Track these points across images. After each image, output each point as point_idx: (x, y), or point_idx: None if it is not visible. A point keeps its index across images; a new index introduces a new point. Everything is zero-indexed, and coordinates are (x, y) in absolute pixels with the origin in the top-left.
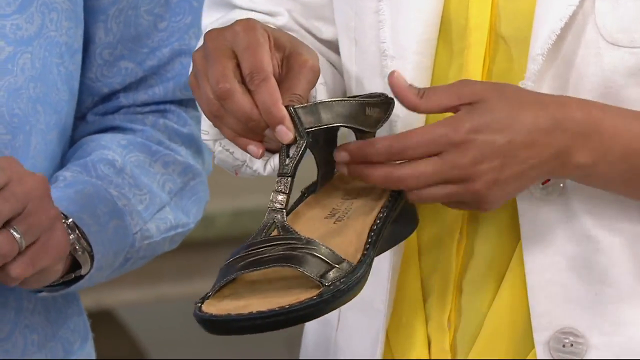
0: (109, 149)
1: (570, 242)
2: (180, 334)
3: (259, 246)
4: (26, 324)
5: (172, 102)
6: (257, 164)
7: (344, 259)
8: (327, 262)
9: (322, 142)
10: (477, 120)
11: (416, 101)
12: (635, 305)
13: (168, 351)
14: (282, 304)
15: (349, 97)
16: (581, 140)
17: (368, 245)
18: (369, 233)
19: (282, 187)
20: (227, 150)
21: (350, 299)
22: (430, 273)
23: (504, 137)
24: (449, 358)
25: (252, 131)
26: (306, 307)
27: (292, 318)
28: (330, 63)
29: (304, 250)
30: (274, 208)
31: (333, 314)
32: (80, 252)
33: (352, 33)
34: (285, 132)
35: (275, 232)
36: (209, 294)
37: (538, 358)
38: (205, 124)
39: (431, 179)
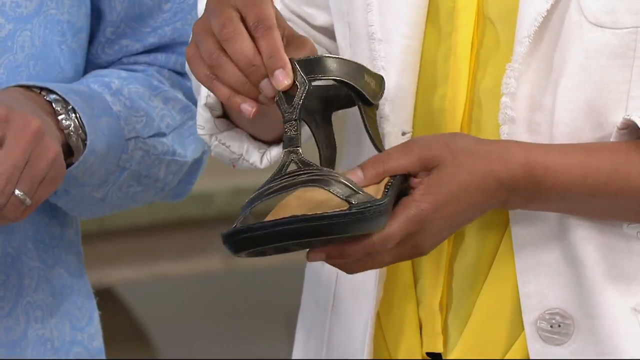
0: (107, 76)
1: (557, 225)
2: (179, 312)
3: (283, 177)
4: (28, 300)
5: (173, 71)
6: (254, 157)
7: (363, 192)
8: (351, 187)
9: (320, 120)
10: (435, 202)
11: (379, 170)
12: (615, 287)
13: (167, 328)
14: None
15: (348, 59)
16: (520, 193)
17: (387, 189)
18: (385, 184)
19: (291, 131)
20: (224, 144)
21: (373, 229)
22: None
23: (454, 208)
24: (441, 341)
25: (249, 81)
26: (331, 217)
27: (313, 227)
28: (325, 50)
29: (329, 176)
30: (289, 149)
31: (327, 298)
32: (74, 139)
33: (345, 17)
34: (284, 76)
35: (294, 168)
36: (234, 224)
37: (527, 339)
38: (202, 118)
39: (389, 263)
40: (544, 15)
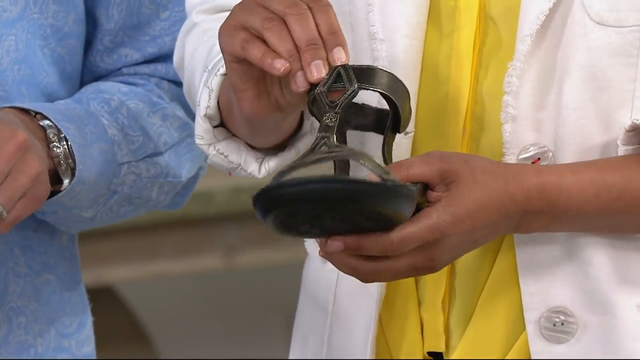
0: (107, 92)
1: None
2: (179, 310)
3: (317, 154)
4: (12, 306)
5: (173, 82)
6: (252, 167)
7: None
8: (382, 168)
9: (338, 134)
10: (455, 215)
11: (402, 175)
12: (621, 286)
13: (166, 327)
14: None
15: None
16: (535, 214)
17: None
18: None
19: (330, 120)
20: (222, 154)
21: (402, 209)
22: None
23: (471, 224)
24: (443, 340)
25: (303, 58)
26: (367, 184)
27: (347, 189)
28: None
29: (362, 154)
30: (322, 134)
31: (328, 298)
32: (63, 167)
33: (347, 18)
34: (342, 53)
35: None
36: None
37: (529, 338)
38: (200, 129)
39: (403, 273)
40: (546, 14)
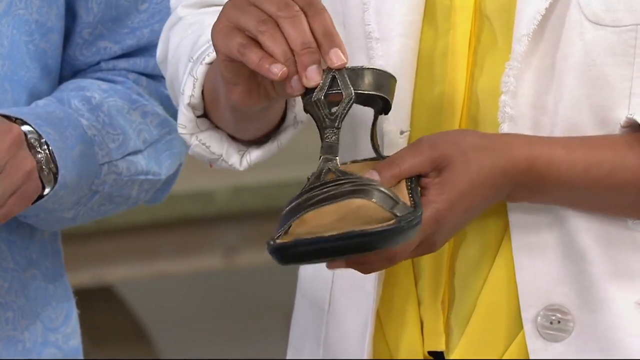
0: (87, 89)
1: (554, 223)
2: (179, 310)
3: (324, 187)
4: (0, 302)
5: (151, 76)
6: (234, 158)
7: (401, 200)
8: (392, 198)
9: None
10: (449, 201)
11: (395, 172)
12: (617, 282)
13: (166, 327)
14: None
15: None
16: (524, 186)
17: (411, 194)
18: (407, 189)
19: (332, 137)
20: (204, 144)
21: (411, 239)
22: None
23: (467, 204)
24: (443, 339)
25: (298, 62)
26: (379, 234)
27: (363, 242)
28: None
29: (370, 186)
30: (326, 157)
31: (324, 297)
32: (45, 172)
33: (340, 17)
34: (339, 56)
35: (331, 176)
36: (279, 234)
37: (526, 336)
38: (184, 117)
39: (404, 259)
40: (542, 14)
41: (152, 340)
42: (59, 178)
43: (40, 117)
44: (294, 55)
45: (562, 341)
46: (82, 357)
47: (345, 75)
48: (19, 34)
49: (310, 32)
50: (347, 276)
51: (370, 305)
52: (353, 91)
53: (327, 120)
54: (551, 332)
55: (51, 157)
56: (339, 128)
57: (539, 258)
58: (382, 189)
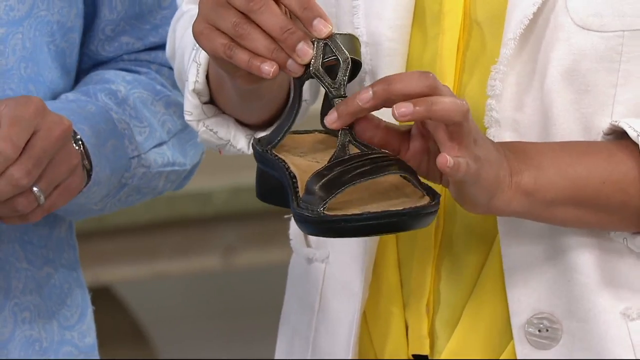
0: (112, 82)
1: (543, 230)
2: (178, 310)
3: (357, 160)
4: (16, 302)
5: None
6: (242, 143)
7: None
8: (420, 181)
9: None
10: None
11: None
12: (605, 292)
13: (165, 327)
14: (397, 208)
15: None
16: (523, 165)
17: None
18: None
19: None
20: (211, 130)
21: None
22: (408, 259)
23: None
24: (427, 343)
25: (285, 47)
26: (415, 213)
27: (404, 221)
28: None
29: (401, 162)
30: (345, 129)
31: (314, 297)
32: (80, 168)
33: (333, 19)
34: (324, 24)
35: (354, 149)
36: (322, 205)
37: (515, 343)
38: (189, 104)
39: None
40: (530, 18)
41: (150, 340)
42: (93, 175)
43: (74, 112)
44: (279, 44)
45: (550, 349)
46: (97, 355)
47: (338, 41)
48: (40, 35)
49: (287, 12)
50: (337, 277)
51: (357, 306)
52: (349, 55)
53: (332, 90)
54: (539, 339)
55: (85, 154)
56: (346, 95)
57: (528, 266)
58: (408, 165)
